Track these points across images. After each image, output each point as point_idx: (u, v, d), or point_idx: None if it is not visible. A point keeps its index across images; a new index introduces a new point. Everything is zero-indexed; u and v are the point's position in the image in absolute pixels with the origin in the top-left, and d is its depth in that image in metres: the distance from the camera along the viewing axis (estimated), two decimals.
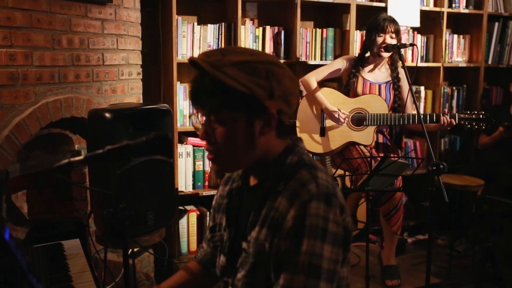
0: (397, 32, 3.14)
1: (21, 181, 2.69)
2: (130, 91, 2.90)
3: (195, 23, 3.45)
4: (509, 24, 4.45)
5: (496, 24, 4.39)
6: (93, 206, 2.44)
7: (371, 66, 3.26)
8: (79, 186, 2.77)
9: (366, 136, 3.15)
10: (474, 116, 3.13)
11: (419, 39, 4.12)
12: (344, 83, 3.31)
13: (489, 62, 4.42)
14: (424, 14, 3.98)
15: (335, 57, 3.78)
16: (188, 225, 3.45)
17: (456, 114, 3.14)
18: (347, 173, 3.33)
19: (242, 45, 3.50)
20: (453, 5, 4.16)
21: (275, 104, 1.18)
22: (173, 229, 3.36)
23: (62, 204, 2.80)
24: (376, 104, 3.15)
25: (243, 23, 3.55)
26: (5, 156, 2.07)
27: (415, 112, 3.11)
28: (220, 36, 3.47)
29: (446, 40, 4.16)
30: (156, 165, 2.32)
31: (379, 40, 3.13)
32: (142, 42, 3.03)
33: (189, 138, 3.46)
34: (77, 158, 1.29)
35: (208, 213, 3.46)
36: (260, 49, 3.60)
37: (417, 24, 3.92)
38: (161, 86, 3.44)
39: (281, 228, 1.15)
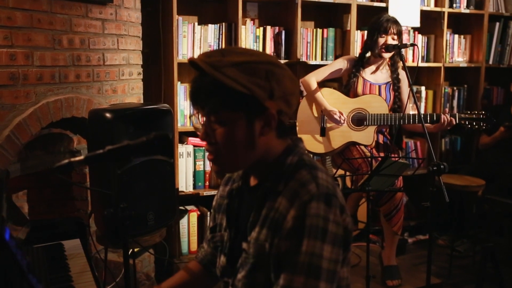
0: (399, 34, 3.14)
1: (21, 181, 2.69)
2: (130, 91, 2.90)
3: (196, 23, 3.45)
4: (510, 24, 4.44)
5: (497, 24, 4.39)
6: (94, 206, 2.44)
7: (373, 68, 3.26)
8: (79, 186, 2.78)
9: (366, 136, 3.15)
10: (474, 116, 3.12)
11: (420, 39, 4.12)
12: (345, 83, 3.30)
13: (490, 62, 4.42)
14: (424, 14, 3.98)
15: (336, 57, 3.78)
16: (188, 225, 3.45)
17: (457, 114, 3.14)
18: (347, 173, 3.33)
19: (243, 45, 3.50)
20: (454, 5, 4.16)
21: (275, 104, 1.18)
22: (173, 229, 3.37)
23: (62, 204, 2.80)
24: (377, 104, 3.15)
25: (244, 23, 3.55)
26: (5, 156, 2.07)
27: (414, 112, 3.11)
28: (220, 36, 3.47)
29: (447, 40, 4.16)
30: (157, 165, 2.32)
31: (381, 41, 3.12)
32: (142, 42, 3.03)
33: (190, 138, 3.46)
34: (77, 158, 1.29)
35: (208, 213, 3.46)
36: (260, 49, 3.60)
37: (417, 24, 3.91)
38: (161, 86, 3.44)
39: (281, 229, 1.15)
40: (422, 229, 4.09)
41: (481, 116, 3.11)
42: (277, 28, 3.66)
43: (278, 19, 3.76)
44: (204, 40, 3.44)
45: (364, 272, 2.69)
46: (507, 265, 3.46)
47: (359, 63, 3.25)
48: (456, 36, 4.29)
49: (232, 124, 1.17)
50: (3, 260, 1.11)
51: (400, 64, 3.22)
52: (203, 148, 3.41)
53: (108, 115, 2.17)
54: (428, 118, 3.12)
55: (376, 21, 3.16)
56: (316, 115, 3.24)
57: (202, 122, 1.22)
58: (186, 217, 3.44)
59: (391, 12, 3.69)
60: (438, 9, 4.06)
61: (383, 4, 3.81)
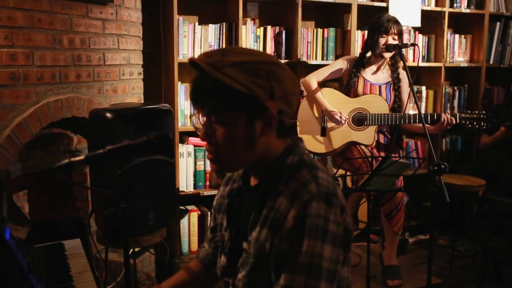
0: (400, 33, 3.14)
1: (22, 181, 2.69)
2: (131, 91, 2.90)
3: (196, 23, 3.45)
4: (511, 24, 4.44)
5: (498, 24, 4.39)
6: (94, 206, 2.44)
7: (373, 68, 3.26)
8: (80, 186, 2.78)
9: (367, 136, 3.15)
10: (475, 115, 3.12)
11: (421, 39, 4.12)
12: (345, 83, 3.30)
13: (491, 62, 4.41)
14: (425, 14, 3.98)
15: (336, 57, 3.78)
16: (189, 225, 3.45)
17: (457, 113, 3.13)
18: (348, 173, 3.32)
19: (243, 45, 3.50)
20: (455, 4, 4.16)
21: (275, 104, 1.18)
22: (174, 229, 3.37)
23: (63, 204, 2.80)
24: (377, 104, 3.15)
25: (244, 23, 3.54)
26: (6, 156, 2.07)
27: (415, 112, 3.11)
28: (221, 36, 3.47)
29: (447, 40, 4.16)
30: (157, 165, 2.32)
31: (382, 41, 3.12)
32: (143, 42, 3.03)
33: (190, 138, 3.46)
34: (77, 158, 1.29)
35: (209, 213, 3.46)
36: (261, 49, 3.60)
37: (418, 24, 3.91)
38: (162, 86, 3.44)
39: (282, 228, 1.15)
40: (423, 229, 4.09)
41: (482, 116, 3.11)
42: (277, 28, 3.66)
43: (279, 19, 3.76)
44: (204, 40, 3.44)
45: (364, 272, 2.69)
46: (508, 265, 3.46)
47: (360, 63, 3.25)
48: (457, 36, 4.29)
49: (232, 124, 1.17)
50: (3, 260, 1.11)
51: (401, 63, 3.22)
52: (204, 148, 3.41)
53: (108, 115, 2.17)
54: (429, 118, 3.11)
55: (376, 21, 3.16)
56: (316, 115, 3.24)
57: (202, 122, 1.22)
58: (186, 217, 3.44)
59: (392, 12, 3.69)
60: (438, 8, 4.06)
61: (383, 4, 3.81)
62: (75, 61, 2.44)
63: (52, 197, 2.80)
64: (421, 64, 4.06)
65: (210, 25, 3.46)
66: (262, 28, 3.62)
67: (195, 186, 3.50)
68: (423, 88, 4.20)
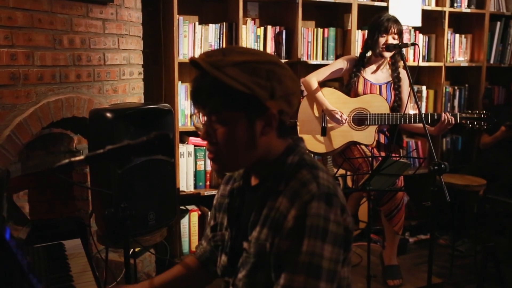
0: (400, 33, 3.13)
1: (22, 181, 2.70)
2: (131, 91, 2.90)
3: (197, 23, 3.45)
4: (511, 23, 4.44)
5: (498, 23, 4.38)
6: (94, 206, 2.44)
7: (373, 67, 3.25)
8: (80, 186, 2.78)
9: (367, 136, 3.15)
10: (475, 115, 3.12)
11: (421, 39, 4.12)
12: (345, 83, 3.30)
13: (491, 61, 4.41)
14: (425, 14, 3.97)
15: (337, 57, 3.78)
16: (189, 225, 3.45)
17: (458, 113, 3.13)
18: (348, 173, 3.32)
19: (244, 45, 3.50)
20: (455, 4, 4.15)
21: (276, 104, 1.18)
22: (174, 229, 3.37)
23: (63, 204, 2.80)
24: (377, 104, 3.15)
25: (245, 23, 3.54)
26: (6, 156, 2.07)
27: (415, 111, 3.10)
28: (221, 36, 3.47)
29: (448, 40, 4.15)
30: (157, 165, 2.32)
31: (382, 40, 3.11)
32: (143, 42, 3.03)
33: (191, 138, 3.46)
34: (77, 158, 1.29)
35: (209, 212, 3.46)
36: (261, 49, 3.60)
37: (418, 23, 3.91)
38: (162, 85, 3.44)
39: (282, 228, 1.15)
40: (423, 229, 4.09)
41: (482, 115, 3.11)
42: (277, 27, 3.66)
43: (279, 18, 3.75)
44: (204, 40, 3.44)
45: (365, 271, 2.69)
46: (508, 264, 3.46)
47: (360, 63, 3.24)
48: (457, 35, 4.29)
49: (233, 123, 1.17)
50: (3, 260, 1.11)
51: (401, 63, 3.22)
52: (204, 147, 3.41)
53: (108, 115, 2.17)
54: (429, 118, 3.11)
55: (376, 20, 3.16)
56: (317, 114, 3.24)
57: (203, 122, 1.22)
58: (187, 216, 3.44)
59: (392, 12, 3.68)
60: (439, 8, 4.05)
61: (384, 4, 3.80)
62: (75, 61, 2.44)
63: (52, 197, 2.80)
64: (422, 63, 4.06)
65: (210, 25, 3.45)
66: (262, 28, 3.61)
67: (195, 186, 3.49)
68: (424, 87, 4.19)
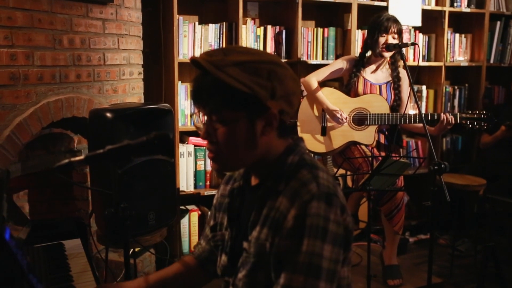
0: (400, 33, 3.13)
1: (22, 181, 2.69)
2: (131, 91, 2.90)
3: (196, 23, 3.45)
4: (511, 23, 4.44)
5: (498, 23, 4.38)
6: (94, 206, 2.44)
7: (373, 67, 3.25)
8: (80, 186, 2.78)
9: (367, 136, 3.15)
10: (475, 116, 3.11)
11: (421, 38, 4.11)
12: (345, 83, 3.30)
13: (491, 61, 4.41)
14: (425, 13, 3.97)
15: (337, 57, 3.78)
16: (189, 224, 3.45)
17: (458, 113, 3.13)
18: (348, 173, 3.32)
19: (244, 45, 3.50)
20: (455, 4, 4.15)
21: (276, 104, 1.18)
22: (174, 229, 3.36)
23: (63, 204, 2.80)
24: (377, 104, 3.15)
25: (244, 23, 3.54)
26: (6, 156, 2.07)
27: (415, 111, 3.10)
28: (221, 35, 3.47)
29: (447, 39, 4.15)
30: (157, 165, 2.32)
31: (382, 40, 3.11)
32: (143, 42, 3.03)
33: (191, 138, 3.46)
34: (77, 158, 1.29)
35: (209, 212, 3.46)
36: (261, 48, 3.60)
37: (418, 23, 3.91)
38: (162, 85, 3.44)
39: (282, 228, 1.15)
40: (423, 229, 4.09)
41: (482, 116, 3.11)
42: (277, 27, 3.66)
43: (279, 18, 3.75)
44: (204, 40, 3.44)
45: (365, 271, 2.69)
46: (508, 264, 3.46)
47: (360, 63, 3.24)
48: (457, 35, 4.29)
49: (233, 123, 1.17)
50: (3, 260, 1.11)
51: (401, 63, 3.22)
52: (204, 147, 3.41)
53: (108, 115, 2.17)
54: (429, 118, 3.11)
55: (376, 20, 3.15)
56: (317, 114, 3.24)
57: (203, 121, 1.22)
58: (187, 216, 3.44)
59: (392, 12, 3.68)
60: (439, 8, 4.05)
61: (383, 3, 3.80)
62: (75, 61, 2.43)
63: (52, 197, 2.80)
64: (422, 63, 4.06)
65: (210, 24, 3.45)
66: (262, 28, 3.61)
67: (195, 186, 3.49)
68: (424, 87, 4.19)
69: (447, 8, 4.06)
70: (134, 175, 2.20)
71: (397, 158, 2.50)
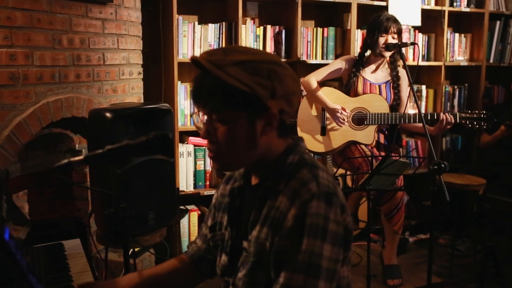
0: (399, 32, 3.13)
1: (22, 181, 2.69)
2: (131, 90, 2.90)
3: (196, 23, 3.45)
4: (511, 22, 4.44)
5: (498, 22, 4.39)
6: (94, 206, 2.44)
7: (373, 67, 3.25)
8: (79, 186, 2.78)
9: (367, 135, 3.15)
10: (475, 115, 3.11)
11: (420, 38, 4.11)
12: (345, 82, 3.30)
13: (491, 61, 4.41)
14: (425, 13, 3.97)
15: (336, 57, 3.78)
16: (189, 224, 3.45)
17: (457, 113, 3.13)
18: (348, 173, 3.32)
19: (243, 45, 3.50)
20: (455, 3, 4.15)
21: (276, 103, 1.18)
22: (174, 228, 3.36)
23: (63, 204, 2.80)
24: (377, 104, 3.14)
25: (244, 23, 3.54)
26: (5, 156, 2.07)
27: (414, 111, 3.10)
28: (221, 35, 3.47)
29: (447, 39, 4.15)
30: (157, 165, 2.32)
31: (381, 40, 3.11)
32: (142, 42, 3.03)
33: (190, 138, 3.46)
34: (77, 158, 1.28)
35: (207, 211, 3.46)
36: (261, 48, 3.60)
37: (418, 23, 3.91)
38: (162, 85, 3.44)
39: (282, 227, 1.15)
40: (423, 228, 4.09)
41: (482, 115, 3.10)
42: (277, 27, 3.66)
43: (278, 18, 3.75)
44: (204, 40, 3.44)
45: (365, 271, 2.69)
46: (508, 264, 3.46)
47: (359, 63, 3.24)
48: (457, 34, 4.29)
49: (233, 123, 1.17)
50: (3, 260, 1.11)
51: (400, 62, 3.22)
52: (204, 147, 3.41)
53: (108, 114, 2.17)
54: (429, 117, 3.11)
55: (375, 20, 3.15)
56: (316, 114, 3.24)
57: (203, 121, 1.22)
58: (186, 216, 3.44)
59: (391, 11, 3.68)
60: (438, 7, 4.05)
61: (383, 3, 3.80)
62: (74, 61, 2.43)
63: (52, 197, 2.80)
64: (421, 63, 4.06)
65: (209, 24, 3.45)
66: (261, 28, 3.61)
67: (195, 186, 3.49)
68: (423, 87, 4.19)
69: (446, 8, 4.06)
70: (134, 175, 2.20)
71: (397, 158, 2.51)
